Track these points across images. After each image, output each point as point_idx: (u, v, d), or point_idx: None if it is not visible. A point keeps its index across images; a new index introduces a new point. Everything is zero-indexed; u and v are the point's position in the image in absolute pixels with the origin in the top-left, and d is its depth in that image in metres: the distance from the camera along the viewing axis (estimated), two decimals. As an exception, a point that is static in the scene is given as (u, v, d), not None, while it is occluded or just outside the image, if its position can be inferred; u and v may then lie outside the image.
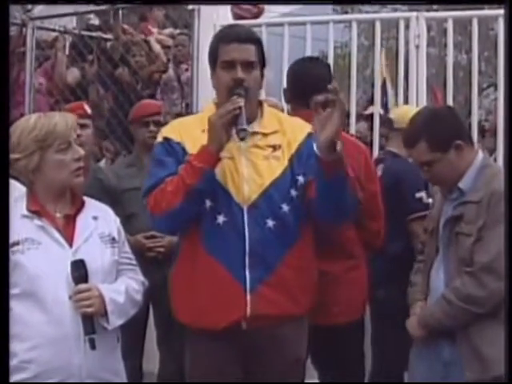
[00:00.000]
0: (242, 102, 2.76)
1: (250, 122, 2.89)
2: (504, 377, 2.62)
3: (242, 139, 2.76)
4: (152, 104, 4.83)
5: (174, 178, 2.81)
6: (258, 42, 2.95)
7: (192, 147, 2.84)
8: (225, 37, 2.95)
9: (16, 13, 7.46)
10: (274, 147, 2.90)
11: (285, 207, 2.85)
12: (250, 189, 2.83)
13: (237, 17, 5.76)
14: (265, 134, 2.93)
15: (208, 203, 2.83)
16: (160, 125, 4.34)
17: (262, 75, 2.98)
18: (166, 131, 3.00)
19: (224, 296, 2.82)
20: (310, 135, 2.94)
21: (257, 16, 6.04)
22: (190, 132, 2.91)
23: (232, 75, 2.85)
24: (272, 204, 2.84)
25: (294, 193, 2.87)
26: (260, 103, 3.03)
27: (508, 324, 2.67)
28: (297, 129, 2.98)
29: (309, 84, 3.46)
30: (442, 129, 3.05)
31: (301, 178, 2.89)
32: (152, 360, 4.41)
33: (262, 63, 2.96)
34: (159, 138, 2.99)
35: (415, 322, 3.04)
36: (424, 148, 3.02)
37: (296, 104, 3.60)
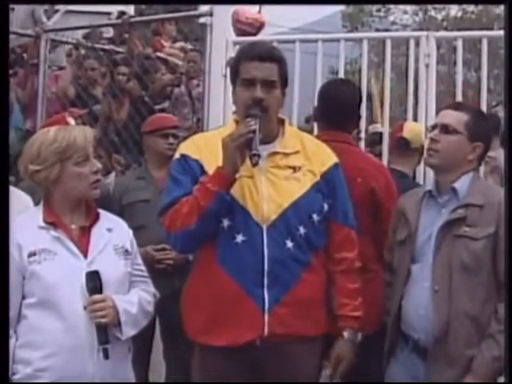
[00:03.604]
0: (255, 125, 2.73)
1: (270, 141, 2.90)
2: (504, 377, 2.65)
3: (255, 165, 2.72)
4: (171, 117, 4.87)
5: (188, 199, 2.80)
6: (280, 61, 2.89)
7: (211, 164, 2.82)
8: (246, 54, 2.92)
9: (36, 19, 7.54)
10: (295, 168, 2.89)
11: (301, 230, 2.85)
12: (269, 208, 2.82)
13: (240, 32, 5.76)
14: (286, 154, 2.91)
15: (226, 222, 2.82)
16: (177, 138, 4.38)
17: (284, 94, 2.94)
18: (185, 147, 2.98)
19: (241, 315, 2.82)
20: (336, 165, 2.99)
21: (259, 30, 6.05)
22: (210, 148, 2.88)
23: (251, 94, 2.83)
24: (290, 225, 2.84)
25: (316, 218, 2.89)
26: (282, 122, 3.00)
27: (508, 324, 2.70)
28: (322, 155, 2.98)
29: (338, 107, 3.59)
30: (485, 126, 3.07)
31: (325, 205, 2.93)
32: (158, 371, 4.43)
33: (284, 82, 2.92)
34: (177, 155, 2.97)
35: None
36: (461, 119, 3.00)
37: (324, 123, 3.69)
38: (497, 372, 2.86)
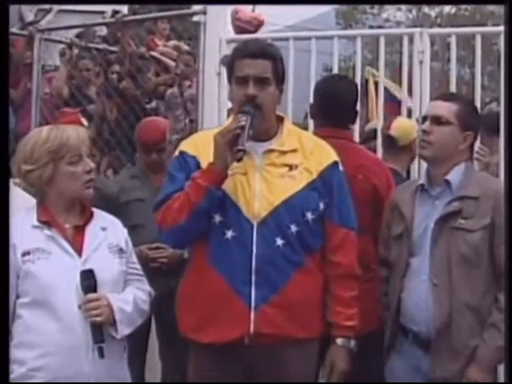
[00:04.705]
0: (245, 121, 2.73)
1: (267, 138, 2.90)
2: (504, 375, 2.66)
3: (239, 160, 2.72)
4: (158, 129, 4.44)
5: (180, 195, 2.80)
6: (274, 58, 2.88)
7: (207, 161, 2.81)
8: (240, 52, 2.92)
9: (28, 17, 7.48)
10: (291, 166, 2.87)
11: (293, 228, 2.83)
12: (260, 205, 2.81)
13: (239, 30, 5.75)
14: (282, 152, 2.90)
15: (217, 218, 2.81)
16: (163, 151, 4.28)
17: (281, 91, 2.93)
18: (184, 144, 2.99)
19: (227, 312, 2.82)
20: (335, 163, 2.96)
21: (258, 27, 6.05)
22: (207, 146, 2.85)
23: (244, 91, 2.82)
24: (281, 223, 2.82)
25: (310, 216, 2.86)
26: (281, 120, 2.99)
27: (508, 321, 2.71)
28: (321, 153, 2.96)
29: (334, 103, 3.56)
30: (475, 115, 3.09)
31: (321, 205, 2.90)
32: (154, 370, 4.43)
33: (280, 79, 2.91)
34: (176, 152, 2.98)
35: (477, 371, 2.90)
36: (452, 109, 3.00)
37: (320, 120, 3.67)
38: (499, 361, 2.89)
